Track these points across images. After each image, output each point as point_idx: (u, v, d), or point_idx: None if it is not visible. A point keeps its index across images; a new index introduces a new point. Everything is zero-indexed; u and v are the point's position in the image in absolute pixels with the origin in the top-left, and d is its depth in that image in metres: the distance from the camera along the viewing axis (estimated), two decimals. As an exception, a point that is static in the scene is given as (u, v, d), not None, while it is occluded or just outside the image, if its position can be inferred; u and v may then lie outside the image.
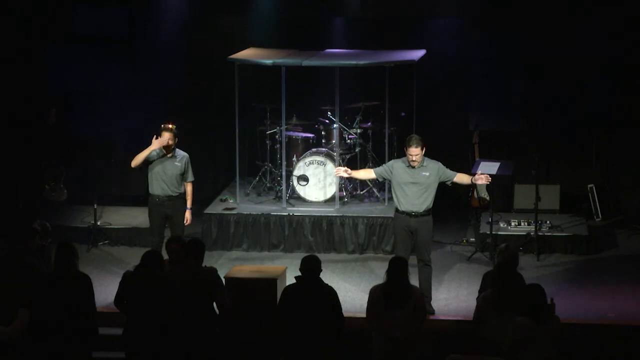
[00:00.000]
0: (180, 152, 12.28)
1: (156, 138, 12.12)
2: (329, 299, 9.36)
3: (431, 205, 11.44)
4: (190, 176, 12.35)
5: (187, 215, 12.37)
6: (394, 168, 11.53)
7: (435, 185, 11.47)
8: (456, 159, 15.48)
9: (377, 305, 9.44)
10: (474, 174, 14.08)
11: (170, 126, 12.08)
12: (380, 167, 11.81)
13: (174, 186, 12.20)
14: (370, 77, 14.83)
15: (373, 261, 13.50)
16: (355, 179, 14.03)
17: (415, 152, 11.32)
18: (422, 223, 11.41)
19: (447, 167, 11.56)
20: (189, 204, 12.39)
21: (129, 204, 15.16)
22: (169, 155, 12.17)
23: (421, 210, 11.39)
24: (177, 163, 12.20)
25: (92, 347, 9.36)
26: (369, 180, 14.10)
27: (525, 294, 8.75)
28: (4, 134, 15.14)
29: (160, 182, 12.16)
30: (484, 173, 11.70)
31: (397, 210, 11.53)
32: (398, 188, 11.46)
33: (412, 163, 11.36)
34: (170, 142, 12.09)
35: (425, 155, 11.45)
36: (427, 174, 11.40)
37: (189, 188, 12.36)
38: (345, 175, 11.85)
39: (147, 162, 12.11)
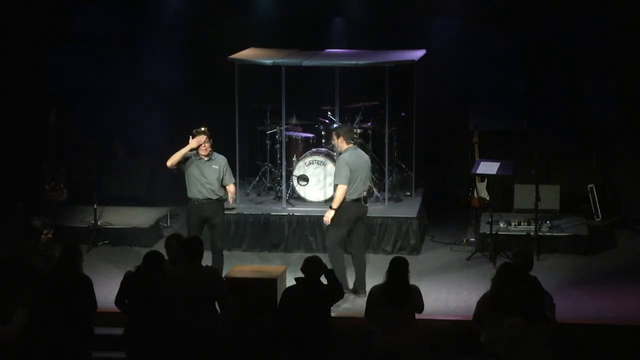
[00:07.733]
0: (217, 155, 12.11)
1: (193, 137, 12.01)
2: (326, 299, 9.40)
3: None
4: (229, 179, 12.15)
5: (231, 189, 12.21)
6: None
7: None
8: (456, 159, 15.54)
9: (377, 306, 9.44)
10: (474, 174, 14.16)
11: (203, 129, 11.93)
12: None
13: (213, 189, 12.02)
14: (370, 77, 14.81)
15: (373, 261, 13.48)
16: None
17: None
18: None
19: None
20: (231, 200, 12.31)
21: (129, 204, 15.15)
22: (206, 159, 12.02)
23: None
24: (215, 166, 12.02)
25: (89, 348, 9.37)
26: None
27: (519, 294, 8.71)
28: (4, 134, 15.14)
29: (199, 186, 11.98)
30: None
31: None
32: None
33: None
34: (207, 144, 11.92)
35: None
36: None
37: (232, 188, 12.20)
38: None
39: (182, 162, 11.97)
